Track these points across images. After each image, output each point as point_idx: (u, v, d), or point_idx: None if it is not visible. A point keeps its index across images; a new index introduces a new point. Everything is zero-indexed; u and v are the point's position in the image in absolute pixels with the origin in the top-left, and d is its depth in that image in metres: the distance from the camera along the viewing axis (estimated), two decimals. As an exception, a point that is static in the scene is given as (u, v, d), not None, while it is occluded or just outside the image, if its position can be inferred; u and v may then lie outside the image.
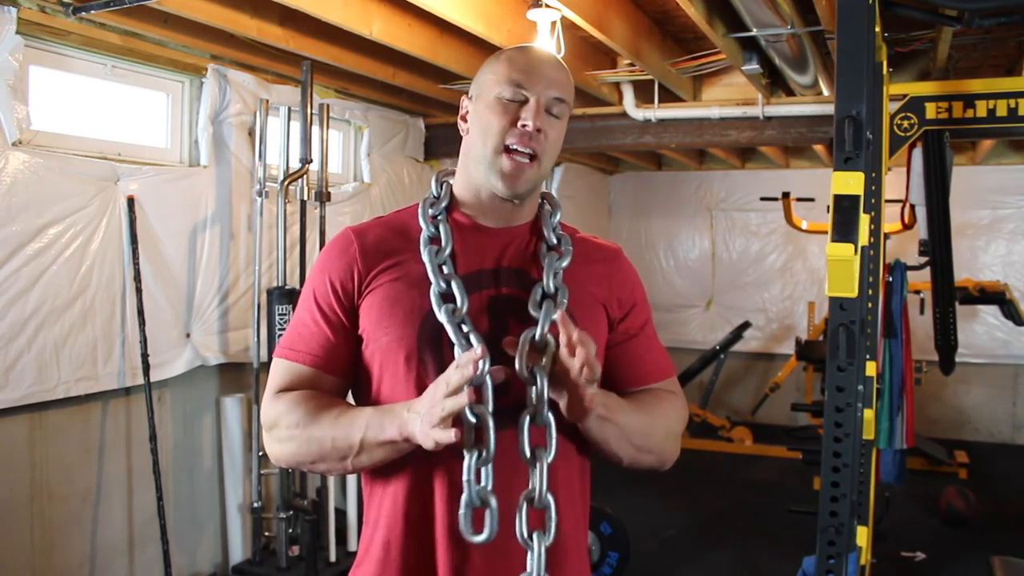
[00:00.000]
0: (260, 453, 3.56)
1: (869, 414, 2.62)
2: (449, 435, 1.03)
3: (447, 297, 1.16)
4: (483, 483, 1.08)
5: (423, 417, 1.07)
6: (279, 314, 3.34)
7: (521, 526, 1.08)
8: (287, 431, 1.18)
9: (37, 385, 2.84)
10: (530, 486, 1.09)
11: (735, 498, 5.19)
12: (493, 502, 1.07)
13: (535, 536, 1.08)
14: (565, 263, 1.22)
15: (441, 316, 1.14)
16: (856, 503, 2.21)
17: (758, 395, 6.85)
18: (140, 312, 3.15)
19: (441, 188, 1.28)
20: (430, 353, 1.16)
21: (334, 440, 1.15)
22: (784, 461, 5.76)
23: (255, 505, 3.56)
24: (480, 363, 1.05)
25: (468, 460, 1.08)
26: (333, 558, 3.61)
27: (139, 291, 3.15)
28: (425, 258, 1.18)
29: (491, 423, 1.08)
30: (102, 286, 3.06)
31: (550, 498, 1.09)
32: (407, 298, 1.19)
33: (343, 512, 3.75)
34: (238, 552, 3.66)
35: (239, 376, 3.75)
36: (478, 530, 1.08)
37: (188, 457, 3.55)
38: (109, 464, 3.19)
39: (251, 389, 3.61)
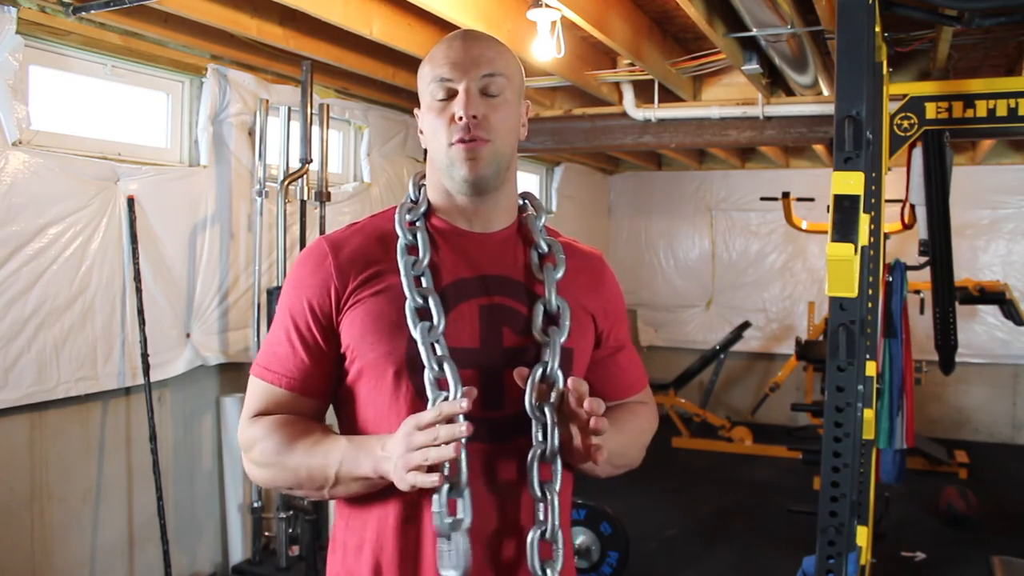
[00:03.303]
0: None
1: (869, 414, 2.61)
2: (431, 479, 1.01)
3: (423, 313, 1.12)
4: (459, 515, 1.06)
5: (398, 461, 1.04)
6: (279, 314, 3.34)
7: (533, 560, 1.10)
8: (263, 457, 1.15)
9: (37, 385, 2.84)
10: (541, 518, 1.10)
11: (735, 498, 5.19)
12: (463, 542, 1.06)
13: (548, 569, 1.10)
14: (560, 274, 1.19)
15: (416, 335, 1.10)
16: (856, 503, 2.21)
17: (758, 395, 6.84)
18: (140, 312, 3.15)
19: (418, 192, 1.24)
20: (420, 368, 1.11)
21: (309, 470, 1.12)
22: (784, 461, 5.76)
23: (255, 505, 3.56)
24: (461, 427, 1.01)
25: (439, 496, 1.06)
26: (333, 558, 3.61)
27: (139, 291, 3.15)
28: (401, 269, 1.14)
29: (464, 460, 1.06)
30: (102, 286, 3.06)
31: (559, 533, 1.10)
32: (392, 311, 1.13)
33: (343, 512, 3.75)
34: (238, 552, 3.66)
35: (239, 376, 3.75)
36: (452, 563, 1.07)
37: (188, 457, 3.55)
38: (109, 464, 3.19)
39: (251, 389, 3.61)
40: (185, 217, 3.41)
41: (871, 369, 2.69)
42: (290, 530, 3.52)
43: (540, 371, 1.11)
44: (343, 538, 1.20)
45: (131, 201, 3.14)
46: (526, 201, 1.28)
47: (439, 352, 1.10)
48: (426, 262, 1.15)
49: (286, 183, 3.52)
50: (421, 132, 1.23)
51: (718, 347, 6.54)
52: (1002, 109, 3.19)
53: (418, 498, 1.12)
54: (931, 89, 3.32)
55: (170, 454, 3.44)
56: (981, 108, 3.21)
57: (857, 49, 1.95)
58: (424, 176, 1.25)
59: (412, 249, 1.16)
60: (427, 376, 1.09)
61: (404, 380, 1.13)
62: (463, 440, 1.02)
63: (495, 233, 1.22)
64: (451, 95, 1.15)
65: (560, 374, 1.11)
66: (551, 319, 1.16)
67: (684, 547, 4.34)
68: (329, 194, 3.75)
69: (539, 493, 1.10)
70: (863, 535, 2.62)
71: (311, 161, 3.54)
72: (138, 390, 3.22)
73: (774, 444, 6.05)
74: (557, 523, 1.10)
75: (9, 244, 2.74)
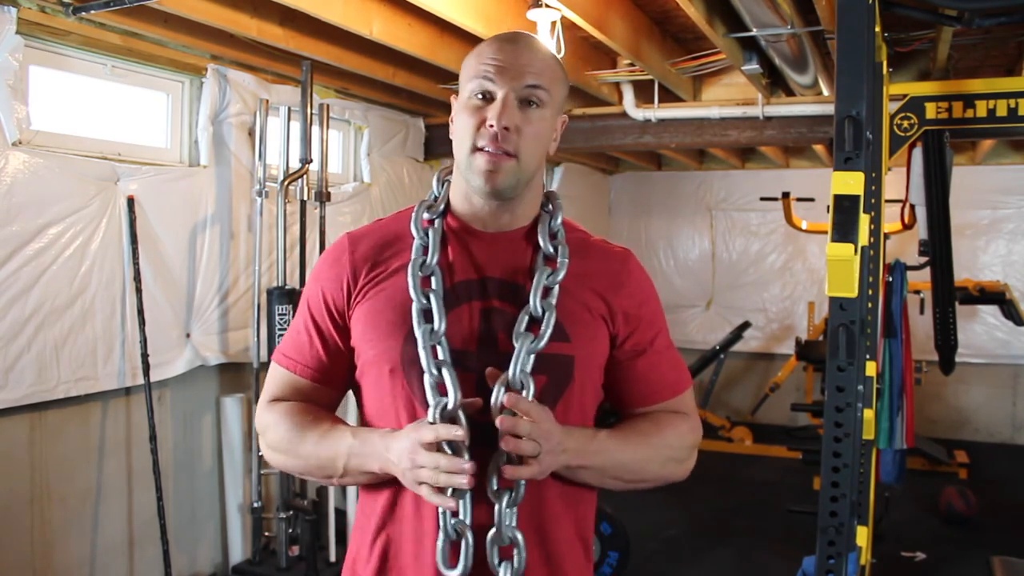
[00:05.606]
0: (260, 453, 3.55)
1: (869, 414, 2.61)
2: (444, 502, 1.05)
3: (428, 315, 1.11)
4: (461, 516, 1.07)
5: (406, 473, 1.07)
6: (279, 314, 3.35)
7: (493, 559, 1.09)
8: (276, 442, 1.20)
9: (37, 385, 2.84)
10: (495, 521, 1.08)
11: (735, 498, 5.19)
12: (469, 536, 1.07)
13: (503, 567, 1.08)
14: (559, 277, 1.14)
15: (418, 336, 1.09)
16: (856, 503, 2.21)
17: (758, 395, 6.84)
18: (140, 312, 3.15)
19: (441, 188, 1.23)
20: (415, 368, 1.11)
21: (319, 460, 1.16)
22: (784, 461, 5.76)
23: (255, 505, 3.56)
24: (465, 464, 1.03)
25: (444, 511, 1.08)
26: (333, 558, 3.61)
27: (139, 291, 3.15)
28: (409, 269, 1.13)
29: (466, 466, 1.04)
30: (102, 286, 3.06)
31: (518, 534, 1.08)
32: (392, 310, 1.14)
33: (343, 512, 3.75)
34: (238, 552, 3.66)
35: (239, 376, 3.75)
36: (453, 564, 1.08)
37: (188, 457, 3.55)
38: (109, 464, 3.19)
39: (251, 389, 3.61)
40: (185, 217, 3.41)
41: (871, 369, 2.69)
42: (290, 530, 3.52)
43: (505, 380, 1.08)
44: (360, 521, 1.23)
45: (131, 201, 3.14)
46: (547, 200, 1.24)
47: (440, 356, 1.09)
48: (434, 262, 1.14)
49: (286, 183, 3.52)
50: (451, 121, 1.20)
51: (718, 347, 6.54)
52: (1002, 109, 3.19)
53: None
54: (931, 89, 3.32)
55: (170, 454, 3.44)
56: (981, 108, 3.21)
57: (857, 49, 1.96)
58: (450, 172, 1.24)
59: (426, 249, 1.17)
60: (427, 380, 1.08)
61: (399, 379, 1.13)
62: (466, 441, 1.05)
63: (507, 233, 1.19)
64: (489, 98, 1.12)
65: (531, 380, 1.08)
66: (536, 323, 1.12)
67: (684, 547, 4.33)
68: (329, 194, 3.75)
69: (495, 499, 1.08)
70: (863, 535, 2.62)
71: (311, 161, 3.54)
72: (138, 390, 3.22)
73: (774, 444, 6.05)
74: (514, 523, 1.08)
75: (9, 244, 2.74)
